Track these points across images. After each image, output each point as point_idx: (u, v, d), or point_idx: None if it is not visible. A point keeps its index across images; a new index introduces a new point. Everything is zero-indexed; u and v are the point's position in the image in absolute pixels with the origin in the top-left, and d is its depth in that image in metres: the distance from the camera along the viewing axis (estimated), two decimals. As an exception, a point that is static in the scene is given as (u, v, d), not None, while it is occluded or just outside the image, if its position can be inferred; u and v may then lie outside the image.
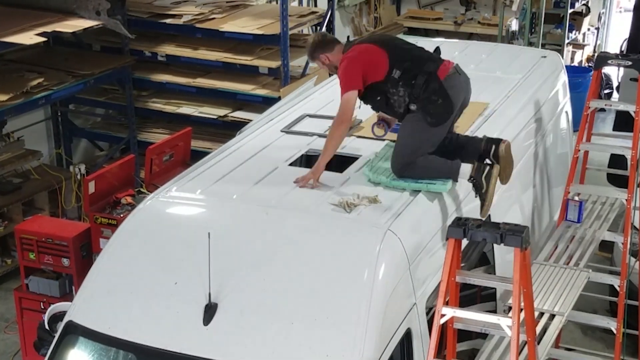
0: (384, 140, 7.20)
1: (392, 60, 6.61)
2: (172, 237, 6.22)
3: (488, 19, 18.41)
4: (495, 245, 7.02)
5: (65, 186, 12.01)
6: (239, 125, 10.12)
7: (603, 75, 15.01)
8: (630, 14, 13.65)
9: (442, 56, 6.88)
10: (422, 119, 6.59)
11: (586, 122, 8.57)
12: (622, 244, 8.35)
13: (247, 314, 5.68)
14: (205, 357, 5.58)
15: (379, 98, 6.73)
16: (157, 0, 13.25)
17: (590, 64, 18.22)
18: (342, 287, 5.70)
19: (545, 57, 9.76)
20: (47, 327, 6.97)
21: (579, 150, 8.61)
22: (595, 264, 8.93)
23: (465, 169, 6.78)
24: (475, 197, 6.74)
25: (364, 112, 7.41)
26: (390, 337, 5.70)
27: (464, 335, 6.44)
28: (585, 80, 14.98)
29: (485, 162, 6.76)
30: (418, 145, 6.58)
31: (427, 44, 10.01)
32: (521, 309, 5.76)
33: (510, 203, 7.95)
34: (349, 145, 7.32)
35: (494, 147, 6.71)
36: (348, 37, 6.94)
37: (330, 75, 6.95)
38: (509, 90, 8.65)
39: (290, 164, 7.02)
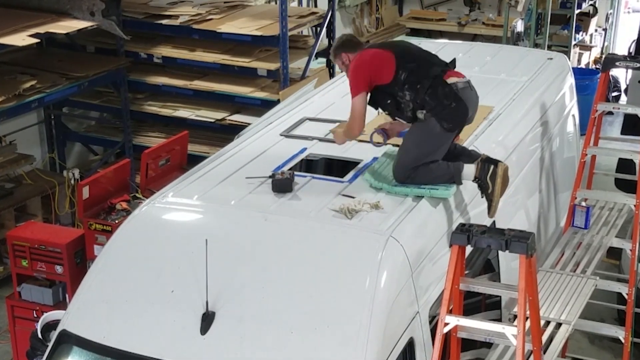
0: (385, 145, 7.14)
1: (398, 62, 6.60)
2: (169, 243, 6.17)
3: (493, 19, 18.50)
4: (500, 252, 6.95)
5: (59, 191, 11.96)
6: (237, 128, 10.11)
7: (611, 78, 14.98)
8: (639, 15, 13.61)
9: (443, 58, 6.81)
10: (431, 128, 6.53)
11: (593, 125, 8.54)
12: (631, 250, 8.30)
13: (246, 322, 5.64)
14: (203, 367, 5.52)
15: (388, 101, 6.71)
16: (153, 0, 13.20)
17: (597, 66, 18.32)
18: (342, 295, 5.67)
19: (551, 59, 9.73)
20: (40, 336, 6.96)
21: (586, 155, 8.57)
22: (603, 271, 8.92)
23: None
24: (482, 197, 6.69)
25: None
26: (392, 346, 5.65)
27: (468, 344, 6.38)
28: (592, 83, 14.97)
29: (489, 161, 6.69)
30: (422, 156, 6.55)
31: (432, 45, 9.99)
32: (527, 318, 5.74)
33: (515, 209, 7.93)
34: (350, 149, 7.28)
35: (492, 167, 6.61)
36: (368, 40, 7.02)
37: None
38: (514, 93, 8.60)
39: (290, 169, 6.93)
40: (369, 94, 6.69)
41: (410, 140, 6.61)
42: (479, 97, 6.82)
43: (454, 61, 6.89)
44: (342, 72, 7.04)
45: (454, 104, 6.49)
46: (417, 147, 6.53)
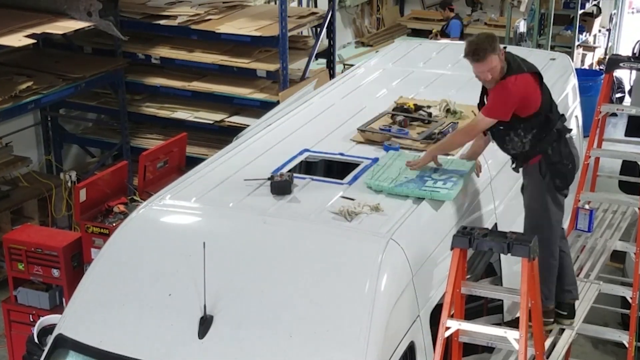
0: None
1: (543, 105, 6.52)
2: (166, 246, 6.14)
3: (495, 20, 18.54)
4: (502, 256, 6.94)
5: (56, 194, 11.97)
6: (235, 130, 10.13)
7: (614, 79, 14.94)
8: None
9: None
10: (545, 183, 6.63)
11: (597, 127, 8.53)
12: (635, 254, 8.23)
13: (244, 326, 5.60)
14: (200, 371, 5.50)
15: (501, 127, 6.60)
16: (151, 0, 13.18)
17: (601, 67, 18.36)
18: (342, 299, 5.62)
19: (554, 59, 9.66)
20: (36, 340, 6.94)
21: (590, 157, 8.57)
22: (607, 275, 8.87)
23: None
24: None
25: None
26: (392, 350, 5.61)
27: (469, 349, 6.37)
28: (595, 84, 15.00)
29: None
30: (536, 211, 6.70)
31: (433, 46, 9.88)
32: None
33: (517, 211, 7.75)
34: (350, 151, 7.24)
35: None
36: (505, 47, 6.55)
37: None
38: (516, 94, 8.46)
39: (289, 171, 6.87)
40: None
41: (527, 197, 6.79)
42: None
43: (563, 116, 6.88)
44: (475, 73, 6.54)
45: (571, 166, 6.64)
46: (532, 201, 6.73)
